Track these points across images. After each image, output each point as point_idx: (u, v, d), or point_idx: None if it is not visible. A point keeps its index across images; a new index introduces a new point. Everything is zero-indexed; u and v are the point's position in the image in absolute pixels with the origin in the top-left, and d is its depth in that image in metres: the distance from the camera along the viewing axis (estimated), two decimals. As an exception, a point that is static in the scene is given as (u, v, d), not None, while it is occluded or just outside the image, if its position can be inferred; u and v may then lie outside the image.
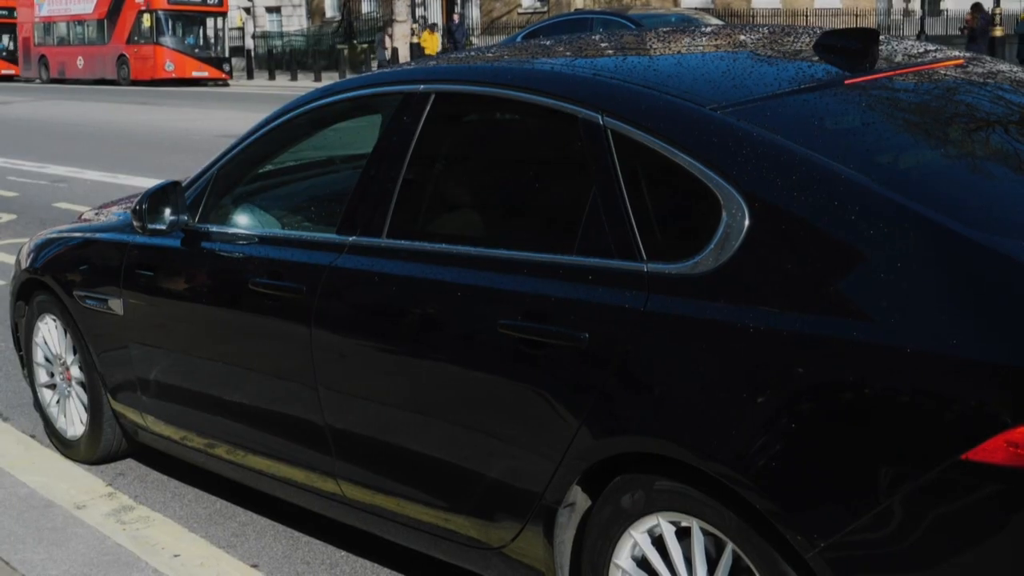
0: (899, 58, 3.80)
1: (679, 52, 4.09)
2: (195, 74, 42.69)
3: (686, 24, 19.49)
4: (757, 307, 2.77)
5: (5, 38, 52.06)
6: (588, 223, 3.25)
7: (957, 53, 3.94)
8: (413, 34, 39.68)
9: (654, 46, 4.19)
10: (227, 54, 44.94)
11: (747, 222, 2.85)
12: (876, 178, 2.80)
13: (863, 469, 2.53)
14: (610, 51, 4.12)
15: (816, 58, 3.65)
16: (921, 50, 3.98)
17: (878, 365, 2.55)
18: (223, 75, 43.55)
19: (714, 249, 2.89)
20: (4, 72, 51.32)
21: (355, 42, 47.74)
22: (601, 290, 3.11)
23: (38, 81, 47.90)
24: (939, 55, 3.81)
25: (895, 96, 3.45)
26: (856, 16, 42.22)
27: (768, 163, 2.88)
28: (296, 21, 55.46)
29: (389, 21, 41.11)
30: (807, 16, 42.22)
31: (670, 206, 3.11)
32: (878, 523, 2.49)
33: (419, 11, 46.98)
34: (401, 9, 39.07)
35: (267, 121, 4.34)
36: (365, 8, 52.83)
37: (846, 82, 3.39)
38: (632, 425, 3.04)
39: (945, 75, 3.58)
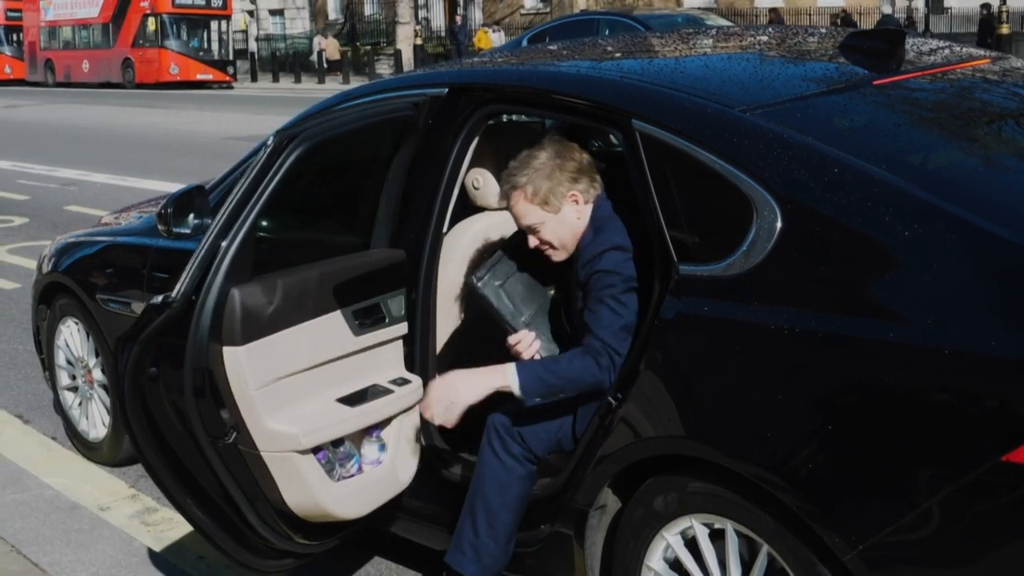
0: (926, 58, 3.81)
1: (704, 54, 4.10)
2: (199, 77, 42.67)
3: (693, 24, 19.52)
4: (790, 308, 2.78)
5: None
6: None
7: (983, 52, 3.95)
8: (417, 36, 39.70)
9: (678, 48, 4.20)
10: (231, 57, 44.97)
11: (779, 224, 2.85)
12: (908, 178, 2.80)
13: (902, 470, 2.54)
14: (635, 54, 4.13)
15: (843, 59, 3.66)
16: (947, 50, 3.99)
17: (914, 366, 2.56)
18: (227, 78, 43.56)
19: (746, 251, 2.90)
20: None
21: (358, 44, 47.79)
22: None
23: (45, 84, 47.93)
24: (965, 55, 3.82)
25: (924, 96, 3.46)
26: (860, 14, 42.16)
27: (800, 165, 2.88)
28: (299, 24, 55.48)
29: (392, 23, 41.07)
30: (810, 15, 42.16)
31: (700, 208, 3.12)
32: (918, 524, 2.49)
33: (422, 13, 47.03)
34: (404, 11, 39.02)
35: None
36: (368, 10, 52.85)
37: (874, 83, 3.40)
38: (664, 427, 3.06)
39: (973, 74, 3.59)
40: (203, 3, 43.54)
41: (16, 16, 51.16)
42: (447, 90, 3.81)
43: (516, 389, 3.35)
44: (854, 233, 2.75)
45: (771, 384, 2.79)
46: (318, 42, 45.53)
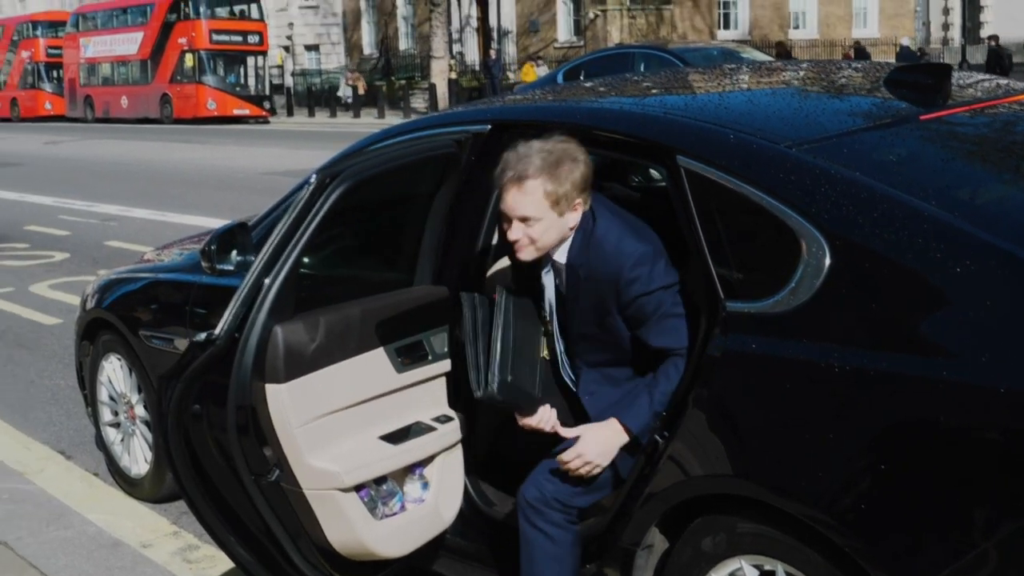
0: (972, 92, 3.78)
1: (748, 89, 4.09)
2: (236, 112, 43.05)
3: (729, 58, 19.50)
4: (839, 346, 2.75)
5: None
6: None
7: (1029, 86, 3.91)
8: (451, 70, 39.88)
9: (720, 83, 4.19)
10: (268, 92, 45.36)
11: (827, 260, 2.82)
12: (958, 214, 2.77)
13: (957, 510, 2.50)
14: (678, 89, 4.13)
15: (888, 94, 3.64)
16: (994, 84, 3.96)
17: (968, 404, 2.52)
18: (263, 112, 43.93)
19: (794, 288, 2.87)
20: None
21: (393, 79, 48.06)
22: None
23: (84, 120, 48.47)
24: (1012, 88, 3.79)
25: (971, 131, 3.43)
26: (895, 45, 42.09)
27: (848, 200, 2.86)
28: (335, 59, 55.85)
29: (427, 57, 41.29)
30: (844, 46, 42.11)
31: (747, 244, 3.09)
32: (974, 567, 2.45)
33: (456, 47, 47.26)
34: (439, 46, 39.22)
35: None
36: (403, 45, 53.17)
37: (921, 117, 3.37)
38: (712, 465, 3.03)
39: (1020, 108, 3.56)
40: (240, 39, 44.03)
41: (56, 53, 51.89)
42: (490, 127, 3.80)
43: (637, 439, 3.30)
44: (904, 269, 2.72)
45: (821, 422, 2.75)
46: (348, 77, 45.93)
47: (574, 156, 3.36)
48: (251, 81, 44.58)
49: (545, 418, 3.46)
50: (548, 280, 3.59)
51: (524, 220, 3.37)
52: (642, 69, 18.41)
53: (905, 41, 35.11)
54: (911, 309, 2.69)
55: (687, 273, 3.27)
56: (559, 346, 3.67)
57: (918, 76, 3.63)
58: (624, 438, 3.30)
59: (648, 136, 3.35)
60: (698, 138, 3.23)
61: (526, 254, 3.43)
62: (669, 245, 3.35)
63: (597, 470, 3.33)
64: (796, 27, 46.65)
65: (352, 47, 56.19)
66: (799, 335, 2.84)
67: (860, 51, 36.09)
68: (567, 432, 3.40)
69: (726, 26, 45.00)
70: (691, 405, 3.05)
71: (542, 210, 3.34)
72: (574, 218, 3.39)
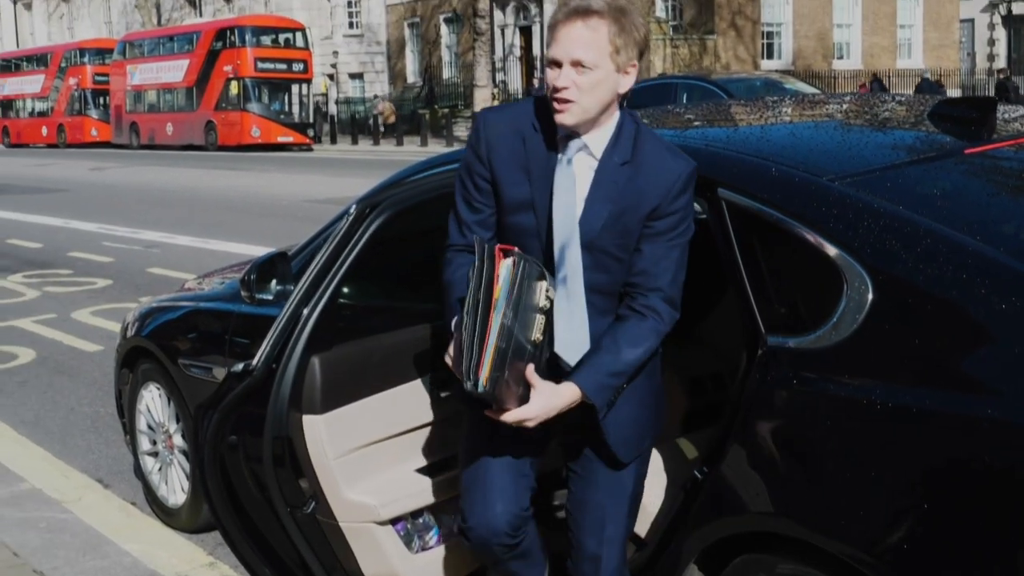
0: (1018, 126, 3.72)
1: (789, 121, 4.06)
2: (280, 139, 43.39)
3: (773, 88, 19.44)
4: (882, 382, 2.71)
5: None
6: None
7: (1077, 120, 3.85)
8: (494, 98, 40.03)
9: (762, 115, 4.16)
10: (311, 120, 45.75)
11: (870, 295, 2.78)
12: (1003, 249, 2.73)
13: (1003, 552, 2.44)
14: (719, 121, 4.10)
15: (933, 127, 3.59)
16: (1040, 117, 3.90)
17: (1013, 443, 2.46)
18: (307, 140, 44.29)
19: (836, 323, 2.83)
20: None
21: (436, 107, 48.30)
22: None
23: (129, 147, 49.00)
24: (1059, 122, 3.74)
25: (1017, 165, 3.38)
26: (940, 75, 41.89)
27: (891, 235, 2.82)
28: (378, 87, 56.24)
29: (470, 85, 41.44)
30: (889, 77, 41.96)
31: (789, 279, 3.06)
32: (1021, 610, 2.40)
33: (499, 76, 47.45)
34: (482, 74, 39.37)
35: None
36: (446, 73, 53.47)
37: (966, 151, 3.33)
38: (752, 503, 2.98)
39: (1068, 143, 3.50)
40: (285, 67, 44.41)
41: (102, 80, 52.59)
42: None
43: (591, 400, 2.99)
44: (948, 305, 2.67)
45: (864, 460, 2.70)
46: (378, 107, 46.36)
47: (636, 11, 3.02)
48: (295, 109, 44.95)
49: (525, 414, 2.98)
50: (568, 172, 3.06)
51: (577, 65, 2.94)
52: (685, 99, 18.40)
53: (926, 73, 34.84)
54: (955, 345, 2.64)
55: (726, 304, 3.24)
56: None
57: (963, 110, 3.59)
58: (574, 402, 3.00)
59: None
60: (740, 171, 3.20)
61: (568, 114, 2.97)
62: (711, 277, 3.32)
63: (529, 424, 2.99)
64: (840, 57, 46.59)
65: (396, 75, 56.57)
66: (841, 371, 2.80)
67: (878, 83, 35.73)
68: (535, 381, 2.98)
69: (769, 56, 44.96)
70: (731, 441, 3.01)
71: (602, 55, 2.93)
72: (626, 82, 3.01)
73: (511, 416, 2.96)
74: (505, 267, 2.90)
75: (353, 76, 58.28)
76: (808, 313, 2.93)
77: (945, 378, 2.62)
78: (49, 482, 5.93)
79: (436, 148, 34.08)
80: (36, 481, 5.92)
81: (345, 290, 3.80)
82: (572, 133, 3.03)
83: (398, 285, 4.40)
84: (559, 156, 3.06)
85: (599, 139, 3.06)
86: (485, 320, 2.85)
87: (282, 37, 45.57)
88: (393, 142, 41.75)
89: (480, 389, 2.85)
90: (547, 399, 2.97)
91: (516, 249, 2.96)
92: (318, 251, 3.64)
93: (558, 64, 2.95)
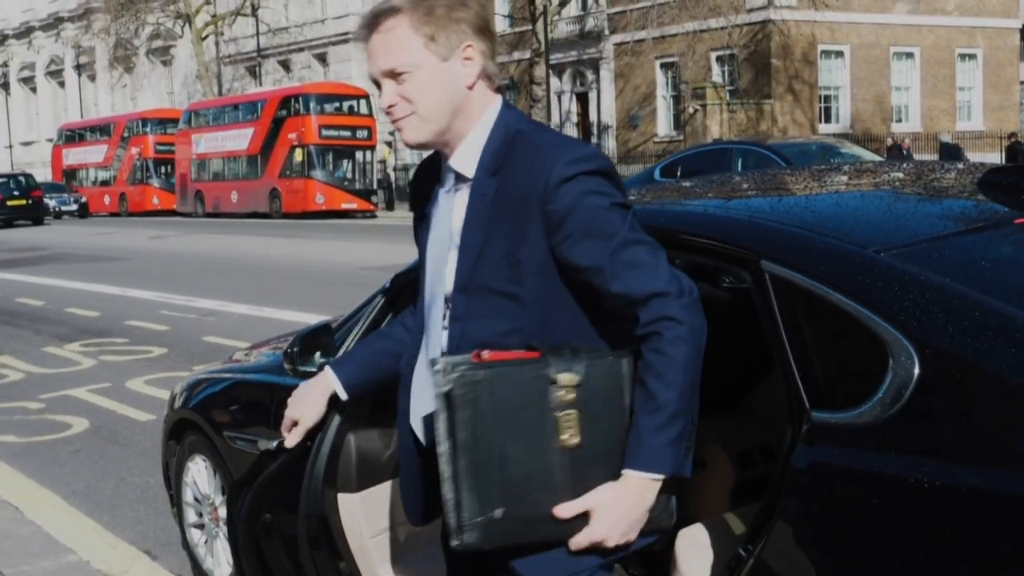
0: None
1: (835, 191, 4.00)
2: (344, 206, 43.70)
3: (828, 152, 19.34)
4: (931, 460, 2.62)
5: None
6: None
7: None
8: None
9: (808, 185, 4.11)
10: (375, 186, 46.07)
11: (917, 370, 2.71)
12: (1056, 323, 2.65)
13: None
14: (764, 191, 4.05)
15: (982, 196, 3.52)
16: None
17: (1070, 525, 2.38)
18: (371, 207, 44.62)
19: (882, 397, 2.76)
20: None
21: (493, 173, 48.60)
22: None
23: (194, 215, 49.63)
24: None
25: (1070, 235, 3.30)
26: (1000, 138, 41.53)
27: (938, 308, 2.74)
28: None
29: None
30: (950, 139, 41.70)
31: (833, 352, 2.99)
32: None
33: (556, 141, 47.65)
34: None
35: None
36: (504, 140, 53.82)
37: (1016, 221, 3.25)
38: (796, 583, 2.89)
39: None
40: (349, 134, 44.85)
41: (164, 150, 53.50)
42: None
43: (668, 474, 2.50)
44: (997, 380, 2.59)
45: (912, 540, 2.62)
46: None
47: None
48: (358, 175, 45.25)
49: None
50: (442, 205, 2.64)
51: (393, 75, 2.52)
52: (739, 165, 18.35)
53: (944, 137, 34.39)
54: (1005, 422, 2.56)
55: (776, 375, 3.16)
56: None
57: (1013, 178, 3.52)
58: (653, 489, 2.48)
59: (732, 240, 3.27)
60: (783, 242, 3.14)
61: (409, 129, 2.56)
62: (759, 347, 3.25)
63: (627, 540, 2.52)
64: (898, 120, 46.48)
65: (452, 143, 57.05)
66: (887, 447, 2.72)
67: (897, 148, 34.99)
68: (569, 509, 2.46)
69: (827, 120, 44.89)
70: (776, 517, 2.93)
71: (414, 52, 2.49)
72: (470, 72, 2.54)
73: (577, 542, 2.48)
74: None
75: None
76: (854, 387, 2.86)
77: (997, 456, 2.53)
78: (96, 554, 5.92)
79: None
80: (84, 553, 5.93)
81: None
82: (447, 156, 2.61)
83: None
84: (436, 188, 2.67)
85: (468, 154, 2.58)
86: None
87: (346, 104, 46.13)
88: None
89: (465, 538, 2.37)
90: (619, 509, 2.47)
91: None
92: (357, 324, 3.62)
93: (379, 85, 2.57)
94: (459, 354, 2.42)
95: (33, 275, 23.35)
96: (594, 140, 44.95)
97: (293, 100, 45.29)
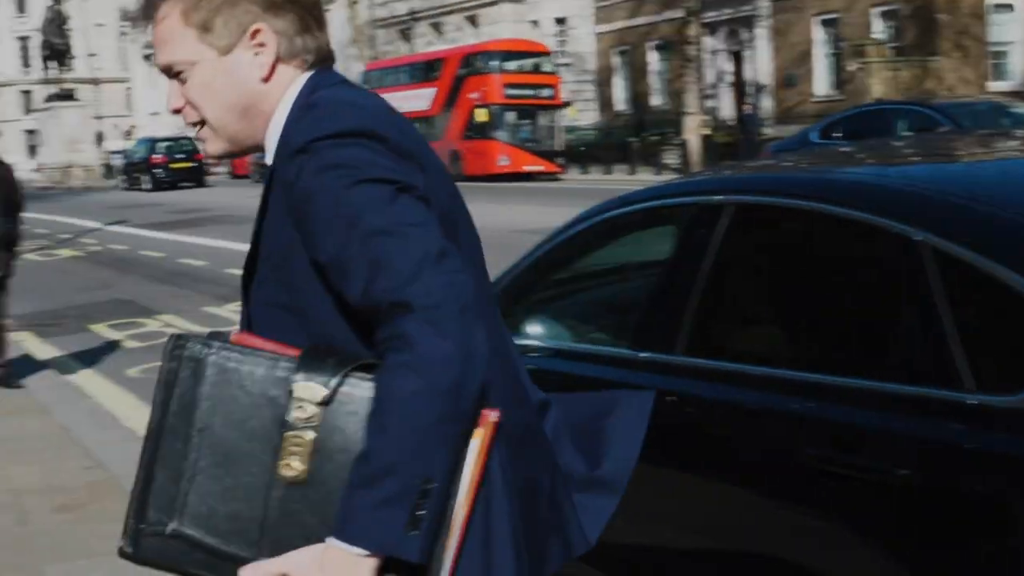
0: None
1: (1002, 158, 3.78)
2: (527, 168, 40.97)
3: (998, 112, 18.52)
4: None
5: None
6: (903, 347, 2.98)
7: None
8: (704, 125, 39.61)
9: (972, 151, 3.89)
10: (562, 147, 43.05)
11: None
12: None
13: None
14: (923, 158, 3.85)
15: None
16: None
17: None
18: (557, 168, 41.64)
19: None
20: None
21: (644, 135, 47.78)
22: (922, 422, 2.82)
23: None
24: None
25: None
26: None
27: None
28: (588, 115, 56.39)
29: (679, 113, 40.99)
30: None
31: (997, 331, 2.80)
32: None
33: (710, 102, 47.02)
34: (691, 101, 38.96)
35: (558, 232, 4.27)
36: (655, 101, 53.28)
37: None
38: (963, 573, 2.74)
39: None
40: (532, 93, 42.30)
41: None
42: (718, 198, 3.64)
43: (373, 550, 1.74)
44: None
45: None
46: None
47: None
48: (543, 136, 42.69)
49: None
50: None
51: (174, 74, 2.07)
52: (901, 126, 17.75)
53: None
54: None
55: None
56: None
57: None
58: (362, 570, 1.74)
59: (887, 211, 3.10)
60: (943, 213, 2.96)
61: (207, 141, 2.10)
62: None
63: None
64: (1076, 75, 44.44)
65: (604, 104, 56.72)
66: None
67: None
68: (255, 571, 1.83)
69: (997, 77, 43.21)
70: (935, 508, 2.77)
71: (187, 47, 2.02)
72: (261, 62, 2.02)
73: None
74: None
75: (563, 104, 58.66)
76: (1020, 369, 2.68)
77: None
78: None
79: (644, 177, 33.80)
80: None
81: None
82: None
83: None
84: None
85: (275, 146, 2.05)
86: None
87: (530, 62, 43.57)
88: (601, 170, 41.16)
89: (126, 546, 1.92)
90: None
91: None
92: None
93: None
94: None
95: (196, 236, 23.96)
96: (749, 100, 44.10)
97: (475, 58, 42.99)
